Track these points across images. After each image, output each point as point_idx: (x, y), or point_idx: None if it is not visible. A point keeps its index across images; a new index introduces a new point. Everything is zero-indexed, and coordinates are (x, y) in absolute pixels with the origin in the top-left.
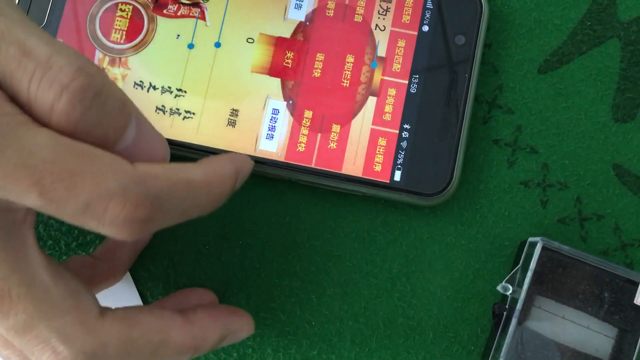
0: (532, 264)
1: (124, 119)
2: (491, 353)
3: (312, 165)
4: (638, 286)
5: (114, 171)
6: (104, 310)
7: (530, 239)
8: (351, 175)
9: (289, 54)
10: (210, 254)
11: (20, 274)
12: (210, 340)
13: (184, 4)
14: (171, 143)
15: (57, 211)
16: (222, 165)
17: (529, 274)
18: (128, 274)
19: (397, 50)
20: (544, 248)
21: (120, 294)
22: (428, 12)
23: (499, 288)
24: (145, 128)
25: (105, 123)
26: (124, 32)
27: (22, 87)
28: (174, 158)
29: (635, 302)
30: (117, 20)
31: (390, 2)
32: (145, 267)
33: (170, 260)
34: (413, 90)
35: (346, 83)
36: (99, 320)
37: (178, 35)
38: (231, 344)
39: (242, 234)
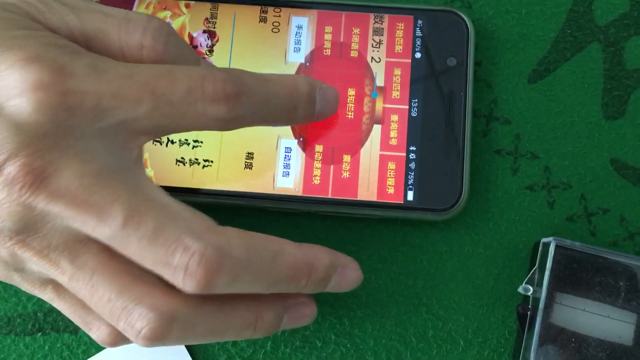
0: (549, 264)
1: (195, 55)
2: (521, 353)
3: (329, 196)
4: None
5: (200, 68)
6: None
7: (543, 240)
8: (367, 201)
9: None
10: None
11: (143, 193)
12: (322, 263)
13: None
14: (194, 192)
15: (168, 104)
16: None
17: (547, 274)
18: None
19: (394, 79)
20: (557, 247)
21: None
22: (418, 39)
23: (520, 290)
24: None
25: (183, 56)
26: None
27: (114, 37)
28: (198, 205)
29: None
30: None
31: (382, 35)
32: None
33: None
34: (414, 114)
35: (351, 115)
36: (220, 227)
37: None
38: (337, 291)
39: None
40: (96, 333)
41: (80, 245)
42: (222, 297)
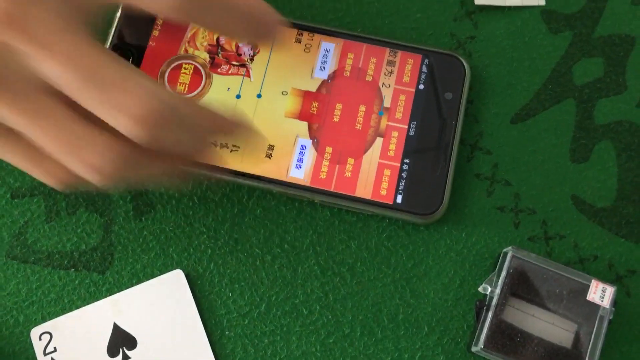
0: (505, 268)
1: None
2: (474, 341)
3: (332, 189)
4: (590, 285)
5: None
6: None
7: (504, 250)
8: (362, 198)
9: (314, 104)
10: (250, 259)
11: (96, 47)
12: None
13: (233, 65)
14: (220, 170)
15: None
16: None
17: (503, 273)
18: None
19: (399, 103)
20: (513, 256)
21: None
22: (423, 74)
23: (480, 289)
24: None
25: None
26: (187, 85)
27: None
28: (220, 182)
29: (587, 298)
30: (182, 76)
31: (394, 66)
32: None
33: (228, 273)
34: (412, 133)
35: (359, 127)
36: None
37: (228, 88)
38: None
39: (274, 246)
40: (47, 176)
41: (41, 89)
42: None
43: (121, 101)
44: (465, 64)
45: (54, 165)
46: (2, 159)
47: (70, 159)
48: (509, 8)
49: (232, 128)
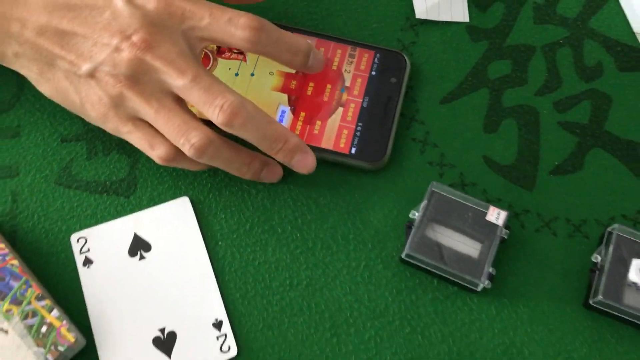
0: (427, 194)
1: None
2: (402, 250)
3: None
4: (488, 210)
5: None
6: None
7: (429, 186)
8: (326, 148)
9: (293, 82)
10: (240, 192)
11: (203, 69)
12: (293, 141)
13: (234, 52)
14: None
15: (217, 23)
16: (301, 37)
17: (424, 202)
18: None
19: (356, 83)
20: (433, 190)
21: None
22: (375, 64)
23: (410, 214)
24: None
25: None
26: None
27: None
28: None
29: (486, 218)
30: None
31: (353, 58)
32: (209, 208)
33: (222, 201)
34: (365, 105)
35: (326, 99)
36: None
37: (229, 68)
38: (295, 167)
39: (258, 184)
40: (157, 151)
41: (165, 94)
42: (235, 143)
43: (215, 102)
44: (407, 59)
45: (163, 148)
46: (128, 140)
47: (179, 138)
48: (442, 22)
49: (292, 147)
